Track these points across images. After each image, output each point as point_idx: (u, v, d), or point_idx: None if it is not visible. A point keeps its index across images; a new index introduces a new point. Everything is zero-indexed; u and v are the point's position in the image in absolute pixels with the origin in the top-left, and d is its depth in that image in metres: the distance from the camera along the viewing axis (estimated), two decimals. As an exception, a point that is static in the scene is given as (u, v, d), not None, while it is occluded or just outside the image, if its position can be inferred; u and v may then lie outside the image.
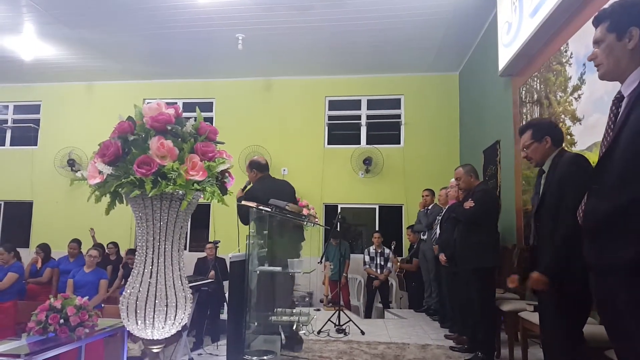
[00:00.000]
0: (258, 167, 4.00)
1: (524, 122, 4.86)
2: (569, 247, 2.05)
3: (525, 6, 4.38)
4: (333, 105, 8.50)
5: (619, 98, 1.52)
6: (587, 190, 1.97)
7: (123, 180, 1.54)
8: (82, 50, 7.44)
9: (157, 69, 8.19)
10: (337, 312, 4.88)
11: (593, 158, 3.13)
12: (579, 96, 3.64)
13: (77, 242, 6.32)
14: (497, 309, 3.68)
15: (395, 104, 8.33)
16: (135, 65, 8.04)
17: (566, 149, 2.57)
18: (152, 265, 1.65)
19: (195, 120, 1.72)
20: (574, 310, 2.10)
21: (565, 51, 3.91)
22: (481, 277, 3.52)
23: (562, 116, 3.90)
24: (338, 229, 6.39)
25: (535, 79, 4.59)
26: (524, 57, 4.65)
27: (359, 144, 8.25)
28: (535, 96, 4.58)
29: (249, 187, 4.05)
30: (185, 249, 6.95)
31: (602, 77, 1.61)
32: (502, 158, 5.56)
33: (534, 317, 2.91)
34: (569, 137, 3.71)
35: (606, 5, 1.63)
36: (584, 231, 1.55)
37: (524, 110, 4.87)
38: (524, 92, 4.89)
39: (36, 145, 9.08)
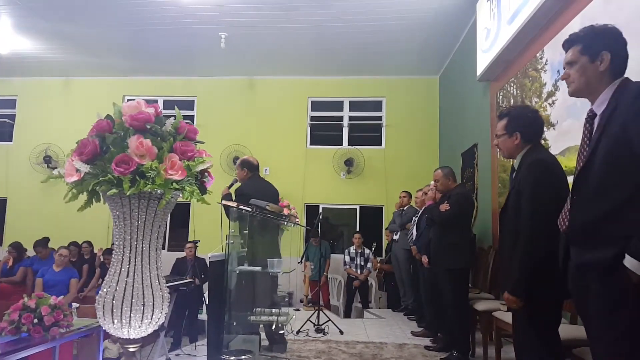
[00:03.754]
0: (250, 167, 4.06)
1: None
2: (531, 261, 1.98)
3: (503, 13, 4.48)
4: (316, 105, 8.53)
5: (591, 116, 1.65)
6: (542, 199, 2.03)
7: (101, 178, 1.54)
8: (60, 44, 7.28)
9: (137, 65, 8.07)
10: (317, 311, 4.90)
11: (566, 163, 3.24)
12: (553, 102, 3.75)
13: (42, 245, 6.23)
14: (472, 309, 3.77)
15: (377, 106, 8.41)
16: (115, 61, 7.91)
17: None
18: (129, 264, 1.65)
19: (175, 119, 1.72)
20: (545, 313, 2.06)
21: (541, 58, 4.02)
22: (454, 278, 3.61)
23: (537, 121, 4.01)
24: (319, 229, 6.42)
25: (512, 84, 4.70)
26: (502, 62, 4.76)
27: (341, 144, 8.30)
28: (512, 101, 4.69)
29: (236, 185, 4.06)
30: (163, 248, 6.87)
31: (572, 94, 1.76)
32: (479, 161, 5.67)
33: (508, 317, 2.98)
34: (542, 142, 3.80)
35: (577, 30, 1.76)
36: (569, 238, 1.66)
37: (502, 115, 4.98)
38: (501, 96, 5.00)
39: (11, 141, 8.84)
